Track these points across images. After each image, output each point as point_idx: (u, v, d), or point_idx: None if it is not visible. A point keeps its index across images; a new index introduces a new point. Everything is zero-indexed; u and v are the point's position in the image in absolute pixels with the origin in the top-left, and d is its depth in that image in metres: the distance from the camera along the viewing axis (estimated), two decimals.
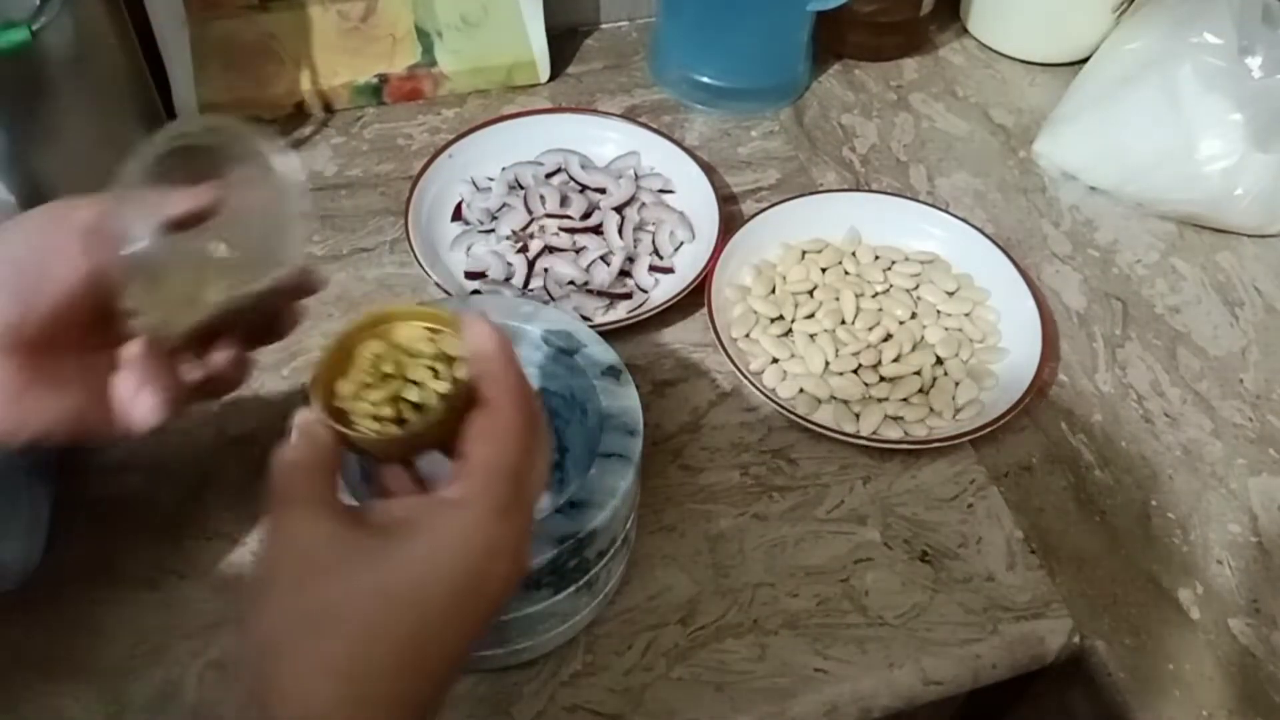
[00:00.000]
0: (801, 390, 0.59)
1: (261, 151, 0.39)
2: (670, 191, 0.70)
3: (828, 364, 0.60)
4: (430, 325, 0.37)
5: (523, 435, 0.34)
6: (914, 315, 0.63)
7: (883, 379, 0.60)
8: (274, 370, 0.59)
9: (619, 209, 0.67)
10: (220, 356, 0.42)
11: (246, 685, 0.30)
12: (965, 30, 0.87)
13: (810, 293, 0.64)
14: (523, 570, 0.34)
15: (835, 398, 0.59)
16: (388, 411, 0.35)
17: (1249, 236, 0.71)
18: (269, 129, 0.65)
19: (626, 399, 0.47)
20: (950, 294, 0.64)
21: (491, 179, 0.70)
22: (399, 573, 0.31)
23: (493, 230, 0.66)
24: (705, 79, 0.77)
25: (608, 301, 0.63)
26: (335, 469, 0.34)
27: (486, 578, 0.32)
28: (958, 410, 0.59)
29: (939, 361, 0.61)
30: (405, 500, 0.35)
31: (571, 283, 0.64)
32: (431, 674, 0.31)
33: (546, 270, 0.64)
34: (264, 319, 0.43)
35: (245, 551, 0.52)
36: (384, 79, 0.75)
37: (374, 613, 0.30)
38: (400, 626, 0.30)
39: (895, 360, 0.60)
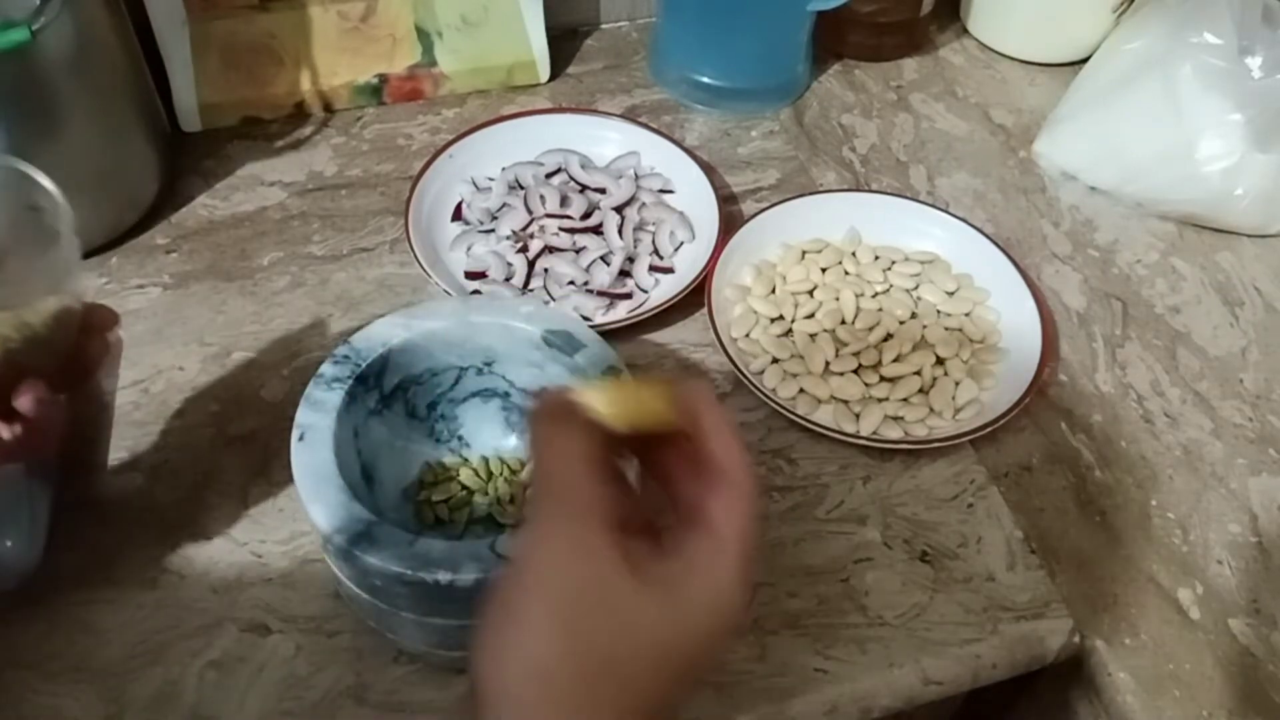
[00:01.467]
0: (801, 390, 0.59)
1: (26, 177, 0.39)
2: (670, 191, 0.70)
3: (828, 364, 0.60)
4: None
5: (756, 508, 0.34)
6: (914, 315, 0.63)
7: (883, 379, 0.60)
8: (274, 370, 0.59)
9: (619, 209, 0.67)
10: (24, 402, 0.40)
11: (498, 710, 0.30)
12: (965, 30, 0.87)
13: (810, 293, 0.64)
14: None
15: (835, 398, 0.59)
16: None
17: (1249, 236, 0.71)
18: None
19: None
20: (950, 294, 0.64)
21: (491, 179, 0.70)
22: (672, 611, 0.31)
23: (493, 230, 0.66)
24: (705, 79, 0.77)
25: (608, 301, 0.63)
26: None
27: (735, 624, 0.33)
28: (958, 410, 0.59)
29: (939, 361, 0.61)
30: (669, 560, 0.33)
31: (571, 283, 0.64)
32: (672, 705, 0.32)
33: (546, 270, 0.64)
34: (62, 358, 0.43)
35: (246, 552, 0.52)
36: (384, 79, 0.75)
37: (649, 656, 0.30)
38: (670, 670, 0.31)
39: (895, 360, 0.60)
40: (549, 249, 0.65)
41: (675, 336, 0.63)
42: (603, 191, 0.69)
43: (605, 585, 0.30)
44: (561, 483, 0.32)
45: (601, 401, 0.34)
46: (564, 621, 0.30)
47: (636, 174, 0.70)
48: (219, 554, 0.52)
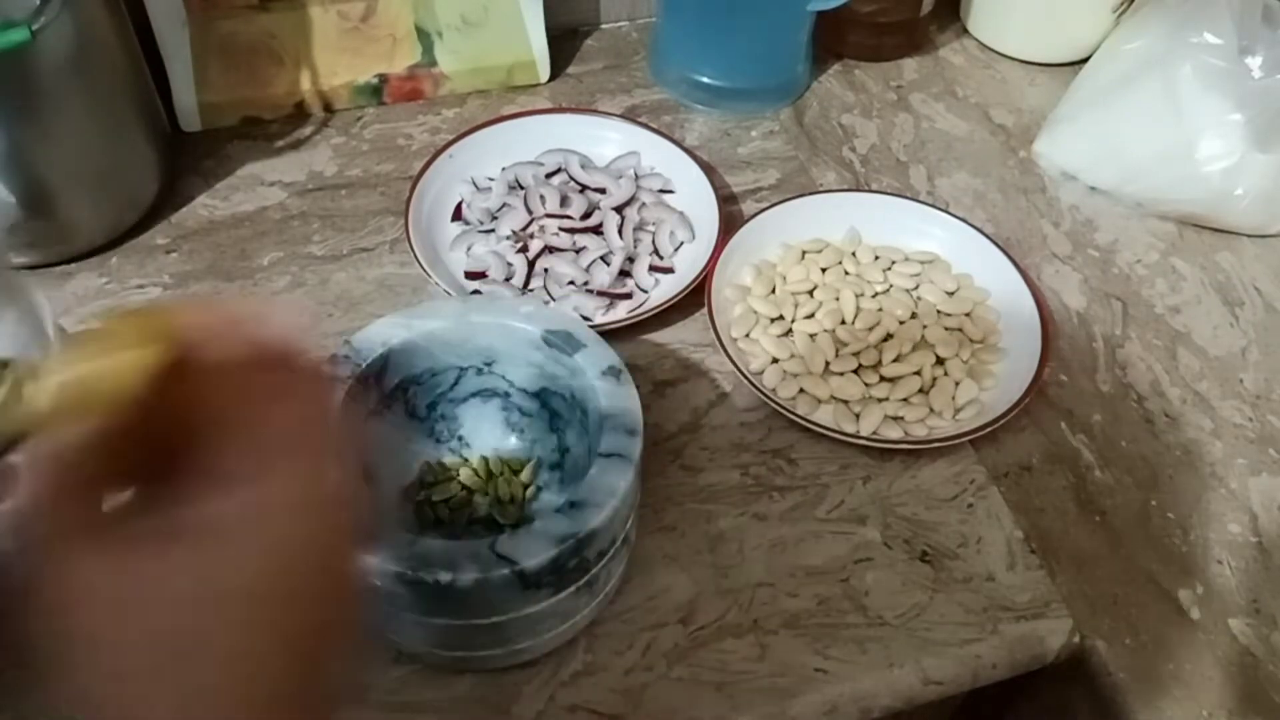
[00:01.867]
0: (801, 390, 0.59)
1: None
2: (670, 191, 0.70)
3: (828, 364, 0.60)
4: None
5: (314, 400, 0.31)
6: (914, 315, 0.63)
7: (883, 379, 0.60)
8: None
9: (619, 209, 0.67)
10: None
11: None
12: (965, 30, 0.87)
13: (810, 293, 0.64)
14: (345, 573, 0.30)
15: (835, 398, 0.59)
16: None
17: (1249, 236, 0.71)
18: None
19: (626, 399, 0.47)
20: (950, 294, 0.64)
21: (491, 179, 0.69)
22: (192, 581, 0.27)
23: (493, 230, 0.66)
24: (705, 79, 0.77)
25: (608, 301, 0.63)
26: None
27: (289, 582, 0.28)
28: (958, 410, 0.59)
29: (939, 361, 0.61)
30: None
31: (571, 283, 0.64)
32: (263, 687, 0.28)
33: (546, 270, 0.64)
34: None
35: None
36: (384, 79, 0.75)
37: (165, 636, 0.27)
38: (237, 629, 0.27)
39: (895, 360, 0.60)
40: (549, 249, 0.65)
41: (675, 336, 0.63)
42: (603, 191, 0.69)
43: (110, 584, 0.27)
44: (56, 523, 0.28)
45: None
46: (102, 629, 0.27)
47: (636, 174, 0.70)
48: None
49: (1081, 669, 0.52)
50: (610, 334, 0.55)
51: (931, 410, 0.59)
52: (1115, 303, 0.67)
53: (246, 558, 0.27)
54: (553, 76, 0.79)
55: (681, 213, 0.68)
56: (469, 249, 0.66)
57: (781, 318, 0.63)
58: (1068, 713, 0.54)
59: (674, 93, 0.79)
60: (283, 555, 0.28)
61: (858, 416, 0.58)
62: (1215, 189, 0.68)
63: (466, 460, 0.53)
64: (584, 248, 0.65)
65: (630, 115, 0.75)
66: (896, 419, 0.59)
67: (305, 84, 0.74)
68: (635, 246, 0.66)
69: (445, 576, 0.40)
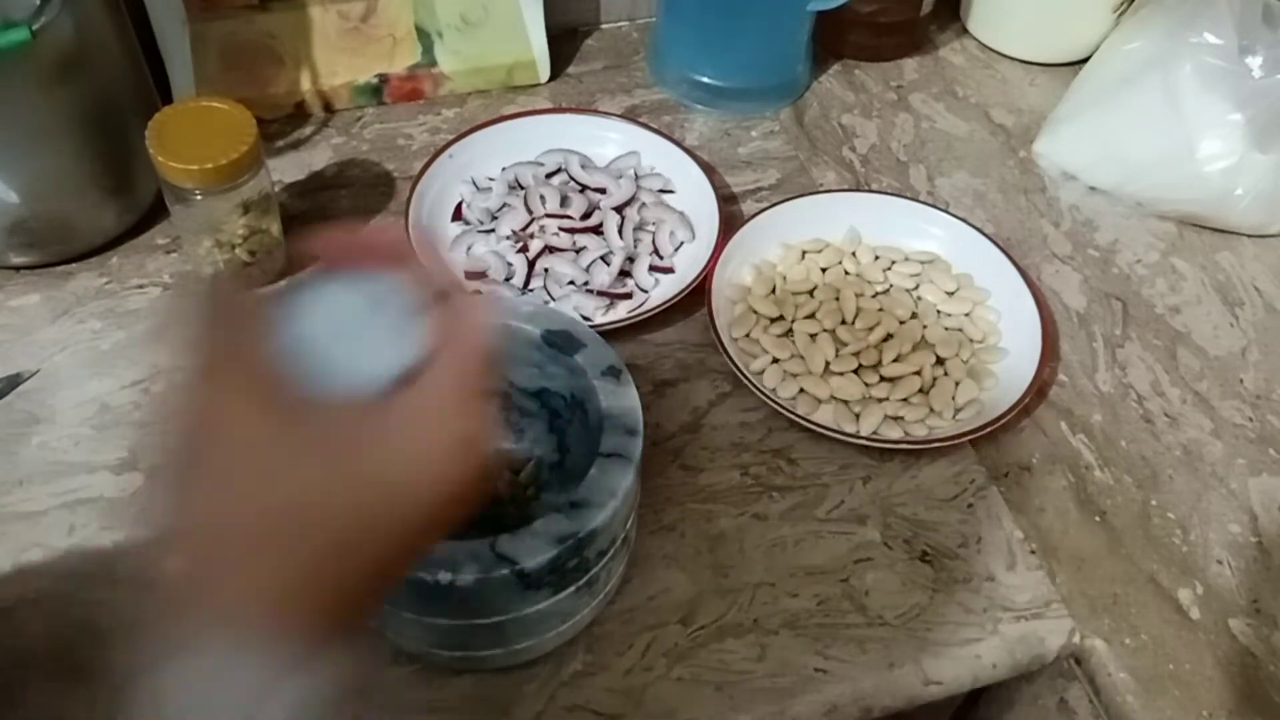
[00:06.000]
0: (801, 390, 0.59)
1: None
2: (670, 191, 0.70)
3: (828, 364, 0.60)
4: None
5: (479, 330, 0.33)
6: (914, 315, 0.63)
7: (883, 379, 0.60)
8: None
9: (619, 209, 0.67)
10: None
11: (185, 562, 0.29)
12: (965, 30, 0.87)
13: (810, 293, 0.64)
14: (479, 486, 0.31)
15: (835, 398, 0.59)
16: None
17: (1249, 236, 0.71)
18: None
19: (626, 399, 0.47)
20: (950, 294, 0.64)
21: (491, 179, 0.69)
22: (345, 470, 0.29)
23: (493, 230, 0.66)
24: (705, 79, 0.77)
25: (608, 301, 0.63)
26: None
27: (448, 489, 0.30)
28: (958, 410, 0.59)
29: (939, 361, 0.61)
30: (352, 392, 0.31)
31: (571, 283, 0.64)
32: (358, 585, 0.30)
33: (546, 270, 0.64)
34: None
35: None
36: (384, 79, 0.75)
37: (307, 517, 0.29)
38: (336, 537, 0.29)
39: (895, 360, 0.60)
40: (549, 249, 0.65)
41: (675, 336, 0.63)
42: (603, 191, 0.69)
43: (263, 436, 0.29)
44: (220, 355, 0.30)
45: None
46: (216, 477, 0.29)
47: (636, 174, 0.70)
48: None
49: (1081, 669, 0.52)
50: (610, 334, 0.55)
51: (931, 410, 0.59)
52: (1115, 303, 0.67)
53: (410, 464, 0.29)
54: (553, 76, 0.79)
55: (681, 213, 0.68)
56: (469, 249, 0.66)
57: (781, 318, 0.63)
58: (1068, 713, 0.54)
59: (674, 93, 0.79)
60: (443, 467, 0.30)
61: (858, 416, 0.58)
62: (1215, 189, 0.68)
63: None
64: (584, 248, 0.65)
65: (630, 115, 0.75)
66: (896, 419, 0.59)
67: (305, 84, 0.74)
68: (635, 246, 0.66)
69: (445, 576, 0.40)
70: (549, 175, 0.70)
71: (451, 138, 0.70)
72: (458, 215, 0.68)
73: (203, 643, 0.27)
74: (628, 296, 0.64)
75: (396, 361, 0.31)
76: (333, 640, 0.28)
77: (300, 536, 0.29)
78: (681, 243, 0.67)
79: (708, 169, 0.70)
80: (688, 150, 0.71)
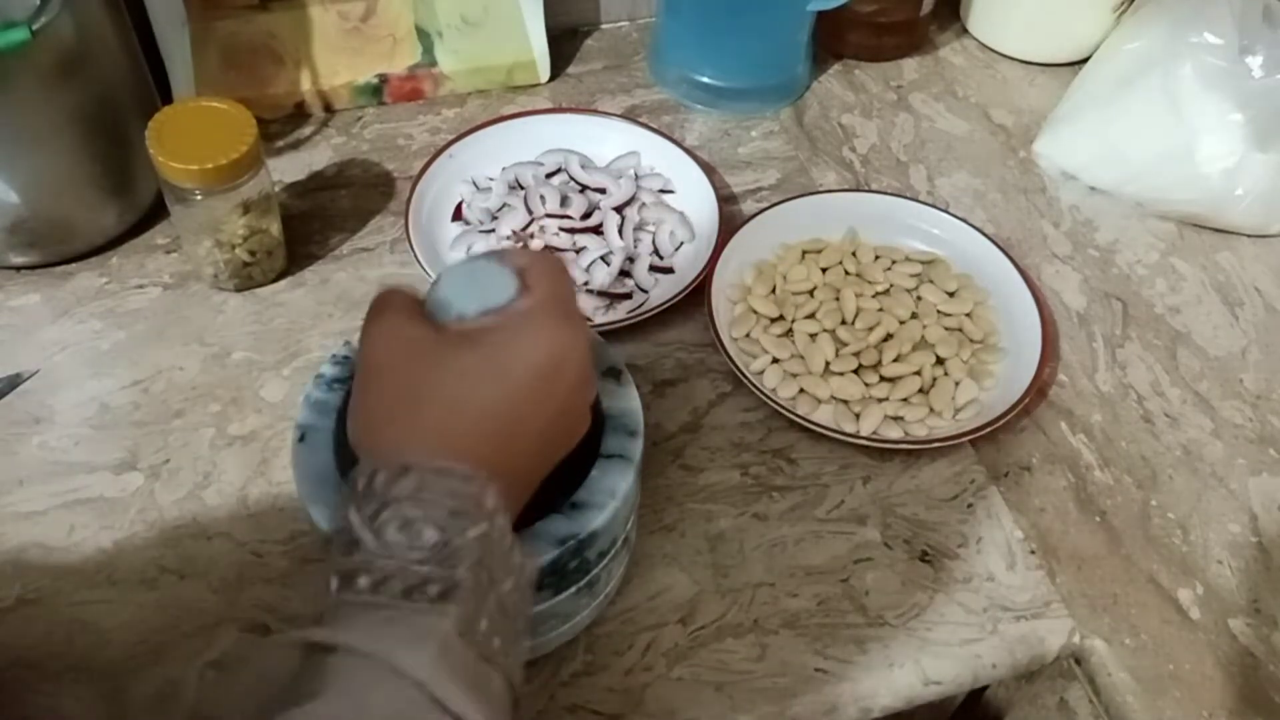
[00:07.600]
0: (801, 390, 0.59)
1: None
2: (670, 191, 0.70)
3: (828, 364, 0.60)
4: None
5: (565, 270, 0.42)
6: (914, 315, 0.63)
7: (883, 379, 0.60)
8: (274, 370, 0.59)
9: (619, 209, 0.67)
10: None
11: (360, 449, 0.38)
12: (965, 30, 0.87)
13: (810, 293, 0.64)
14: (587, 379, 0.40)
15: (835, 398, 0.59)
16: None
17: (1249, 236, 0.71)
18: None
19: (627, 399, 0.47)
20: (950, 294, 0.64)
21: (492, 179, 0.70)
22: (481, 356, 0.37)
23: (493, 230, 0.66)
24: (705, 79, 0.77)
25: (608, 301, 0.63)
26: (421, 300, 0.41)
27: (559, 366, 0.38)
28: (958, 410, 0.59)
29: (939, 361, 0.61)
30: (479, 318, 0.39)
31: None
32: (514, 444, 0.37)
33: None
34: None
35: (246, 552, 0.52)
36: (384, 79, 0.75)
37: (461, 388, 0.36)
38: (485, 399, 0.36)
39: (895, 360, 0.60)
40: (549, 249, 0.65)
41: (675, 336, 0.63)
42: (603, 191, 0.69)
43: (423, 343, 0.38)
44: (383, 303, 0.39)
45: None
46: (391, 372, 0.37)
47: (636, 174, 0.70)
48: (219, 554, 0.52)
49: (1081, 669, 0.52)
50: (610, 334, 0.55)
51: (931, 410, 0.59)
52: (1115, 303, 0.67)
53: (515, 354, 0.37)
54: (553, 76, 0.79)
55: (681, 213, 0.68)
56: (469, 249, 0.66)
57: (781, 318, 0.63)
58: (1068, 713, 0.54)
59: (674, 93, 0.79)
60: (539, 364, 0.37)
61: (858, 416, 0.58)
62: (1215, 189, 0.68)
63: None
64: (584, 248, 0.65)
65: (630, 115, 0.75)
66: (896, 419, 0.59)
67: (305, 84, 0.74)
68: (635, 246, 0.66)
69: None
70: (549, 175, 0.70)
71: (451, 138, 0.70)
72: (458, 215, 0.68)
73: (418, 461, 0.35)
74: (627, 296, 0.64)
75: (506, 295, 0.39)
76: (510, 494, 0.36)
77: (468, 398, 0.37)
78: (681, 243, 0.67)
79: (708, 169, 0.70)
80: (688, 150, 0.71)
